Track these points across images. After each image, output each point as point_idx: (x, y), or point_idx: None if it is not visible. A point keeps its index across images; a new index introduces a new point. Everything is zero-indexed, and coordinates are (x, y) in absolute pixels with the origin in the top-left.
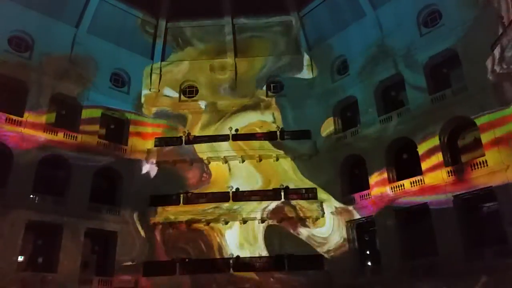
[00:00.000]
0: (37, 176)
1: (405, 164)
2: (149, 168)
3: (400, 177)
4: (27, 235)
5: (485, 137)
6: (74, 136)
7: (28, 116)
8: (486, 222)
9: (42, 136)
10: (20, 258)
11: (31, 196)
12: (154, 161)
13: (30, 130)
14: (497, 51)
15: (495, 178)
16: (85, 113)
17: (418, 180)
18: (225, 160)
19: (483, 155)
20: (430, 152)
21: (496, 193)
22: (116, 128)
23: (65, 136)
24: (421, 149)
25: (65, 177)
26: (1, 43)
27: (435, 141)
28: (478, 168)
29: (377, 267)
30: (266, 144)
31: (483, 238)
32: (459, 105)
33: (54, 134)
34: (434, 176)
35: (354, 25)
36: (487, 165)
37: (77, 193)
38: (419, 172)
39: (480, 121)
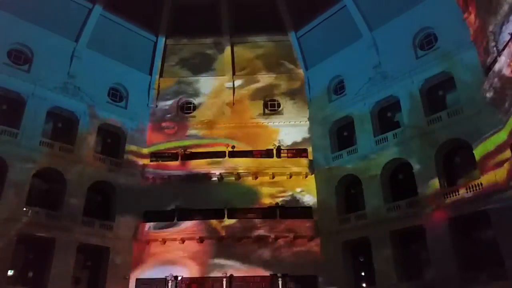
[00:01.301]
0: (31, 189)
1: (401, 185)
2: (144, 183)
3: (396, 198)
4: (18, 249)
5: (480, 160)
6: (70, 149)
7: (24, 129)
8: (481, 245)
9: (38, 148)
10: (10, 272)
11: (24, 208)
12: (150, 176)
13: (26, 143)
14: (492, 74)
15: (490, 200)
16: (82, 127)
17: (414, 202)
18: (221, 177)
19: (479, 177)
20: (426, 173)
21: (491, 216)
22: (112, 143)
23: (60, 150)
24: (417, 170)
25: (59, 190)
26: (0, 55)
27: (430, 162)
28: (474, 190)
29: None
30: (263, 161)
31: (478, 261)
32: (455, 127)
33: (50, 147)
34: (430, 198)
35: (351, 46)
36: (482, 188)
37: (71, 207)
38: (414, 193)
39: (475, 145)
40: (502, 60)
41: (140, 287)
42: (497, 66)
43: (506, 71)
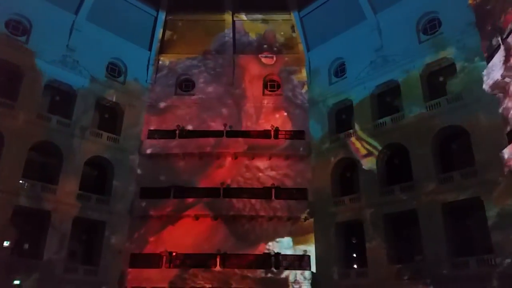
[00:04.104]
0: (28, 161)
1: (396, 170)
2: (141, 160)
3: (391, 183)
4: (14, 220)
5: (476, 147)
6: (67, 123)
7: (21, 101)
8: (473, 230)
9: (35, 121)
10: (6, 243)
11: (21, 181)
12: (146, 153)
13: (23, 116)
14: (493, 63)
15: (483, 188)
16: (79, 101)
17: (409, 186)
18: (218, 156)
19: (474, 164)
20: (422, 159)
21: (484, 203)
22: (110, 118)
23: (58, 123)
24: (413, 155)
25: (55, 164)
26: None
27: (427, 148)
28: (468, 177)
29: (363, 270)
30: (260, 142)
31: (469, 246)
32: (454, 114)
33: (47, 120)
34: (425, 183)
35: (354, 28)
36: (477, 175)
37: (67, 181)
38: (409, 178)
39: (473, 132)
40: (505, 47)
41: (135, 262)
42: (499, 54)
43: (508, 60)
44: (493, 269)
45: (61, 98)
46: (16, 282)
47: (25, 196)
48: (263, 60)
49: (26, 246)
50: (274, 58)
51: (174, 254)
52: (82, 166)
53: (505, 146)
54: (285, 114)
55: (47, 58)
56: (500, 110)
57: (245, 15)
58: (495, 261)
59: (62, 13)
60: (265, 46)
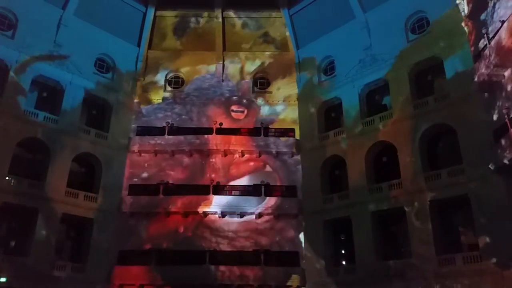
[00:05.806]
0: (14, 158)
1: (384, 167)
2: (129, 156)
3: (379, 180)
4: (0, 217)
5: (463, 145)
6: (54, 119)
7: (6, 96)
8: (460, 227)
9: (22, 117)
10: None
11: (7, 178)
12: (135, 150)
13: (9, 111)
14: (479, 62)
15: (471, 186)
16: (67, 97)
17: (396, 184)
18: (208, 154)
19: (461, 162)
20: (409, 157)
21: (471, 202)
22: (98, 114)
23: (45, 119)
24: (401, 153)
25: (43, 160)
26: None
27: (415, 146)
28: (455, 175)
29: (352, 266)
30: (250, 139)
31: (455, 243)
32: (441, 113)
33: (34, 117)
34: (412, 181)
35: (343, 26)
36: (463, 173)
37: (55, 177)
38: (397, 176)
39: (459, 129)
40: (492, 46)
41: (123, 259)
42: (486, 53)
43: (495, 58)
44: (478, 266)
45: (48, 94)
46: (2, 279)
47: (12, 193)
48: (253, 57)
49: (13, 243)
50: (264, 56)
51: (163, 251)
52: (70, 163)
53: (492, 144)
54: (274, 111)
55: (34, 53)
56: (487, 109)
57: (235, 11)
58: (480, 258)
59: (49, 8)
60: (255, 43)
